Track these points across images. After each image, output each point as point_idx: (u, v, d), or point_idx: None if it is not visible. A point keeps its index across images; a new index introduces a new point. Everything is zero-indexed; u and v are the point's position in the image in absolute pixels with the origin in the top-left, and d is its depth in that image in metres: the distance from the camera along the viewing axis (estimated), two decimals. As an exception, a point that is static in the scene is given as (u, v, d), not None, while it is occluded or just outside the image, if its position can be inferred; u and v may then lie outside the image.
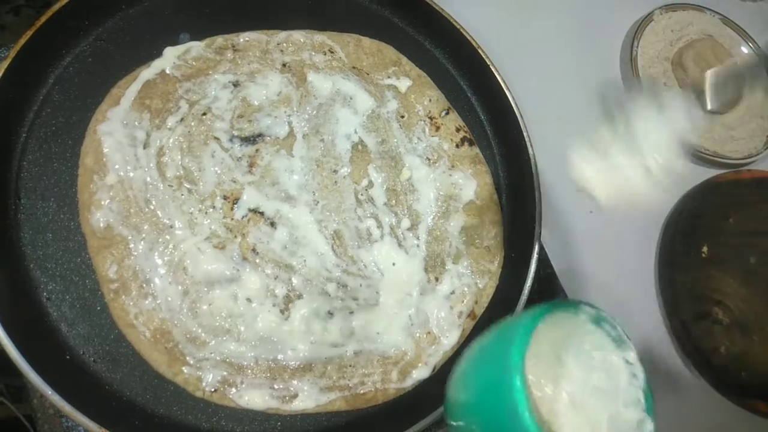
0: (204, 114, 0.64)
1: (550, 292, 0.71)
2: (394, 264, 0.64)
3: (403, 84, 0.73)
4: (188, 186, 0.61)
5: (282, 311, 0.59)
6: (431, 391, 0.60)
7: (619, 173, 0.93)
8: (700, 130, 0.74)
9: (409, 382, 0.60)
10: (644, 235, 0.91)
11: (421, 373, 0.61)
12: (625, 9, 1.00)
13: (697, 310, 0.86)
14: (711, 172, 0.94)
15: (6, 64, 0.57)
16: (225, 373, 0.56)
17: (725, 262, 0.88)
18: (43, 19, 0.61)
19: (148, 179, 0.60)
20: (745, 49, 1.00)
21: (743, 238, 0.89)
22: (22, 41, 0.59)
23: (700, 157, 0.92)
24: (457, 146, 0.72)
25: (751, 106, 0.96)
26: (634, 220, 0.90)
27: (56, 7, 0.62)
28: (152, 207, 0.59)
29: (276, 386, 0.57)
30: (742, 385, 0.85)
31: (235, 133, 0.64)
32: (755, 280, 0.87)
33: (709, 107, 0.75)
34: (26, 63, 0.60)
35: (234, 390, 0.56)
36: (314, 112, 0.68)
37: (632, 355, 0.46)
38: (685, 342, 0.86)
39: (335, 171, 0.66)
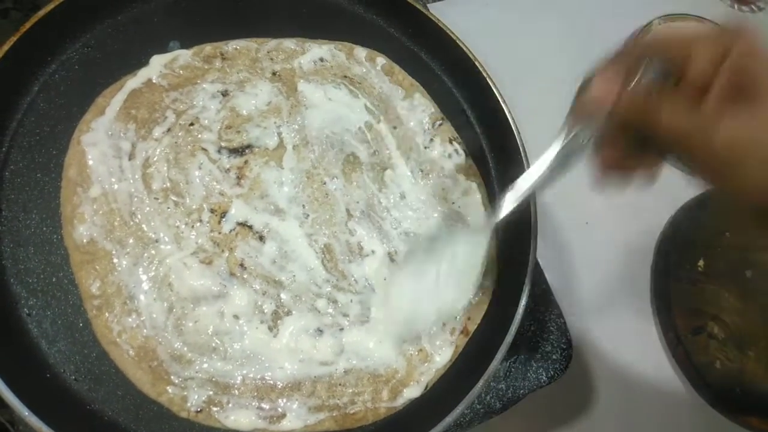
0: (191, 124, 0.62)
1: (544, 307, 0.70)
2: (385, 279, 0.63)
3: (396, 94, 0.72)
4: (175, 199, 0.59)
5: (270, 328, 0.57)
6: (423, 411, 0.59)
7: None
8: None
9: (400, 401, 0.59)
10: (640, 248, 0.90)
11: (412, 392, 0.59)
12: (624, 18, 1.00)
13: (692, 325, 0.85)
14: (708, 186, 0.93)
15: (-11, 69, 0.56)
16: (211, 393, 0.54)
17: (721, 276, 0.87)
18: (28, 24, 0.59)
19: (133, 191, 0.58)
20: (743, 61, 0.99)
21: (740, 252, 0.88)
22: (6, 47, 0.57)
23: (697, 169, 0.92)
24: (450, 157, 0.70)
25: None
26: (630, 233, 0.90)
27: (42, 12, 0.60)
28: (137, 220, 0.57)
29: (263, 406, 0.55)
30: (737, 400, 0.84)
31: (224, 144, 0.62)
32: (751, 295, 0.86)
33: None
34: (11, 69, 0.58)
35: (220, 410, 0.54)
36: (304, 123, 0.66)
37: None
38: (680, 357, 0.85)
39: (326, 183, 0.64)
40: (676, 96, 0.41)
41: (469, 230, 0.63)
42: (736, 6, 1.11)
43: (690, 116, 0.39)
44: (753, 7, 1.12)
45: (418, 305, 0.60)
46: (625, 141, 0.44)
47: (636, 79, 0.42)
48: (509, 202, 0.54)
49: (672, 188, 0.93)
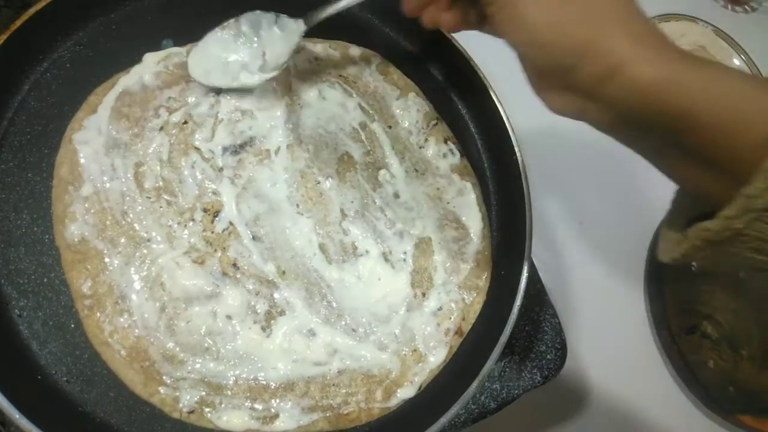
0: (185, 123, 0.62)
1: (538, 307, 0.70)
2: (379, 279, 0.62)
3: (391, 93, 0.71)
4: (167, 198, 0.59)
5: (263, 328, 0.57)
6: (416, 411, 0.59)
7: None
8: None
9: (394, 402, 0.59)
10: (634, 248, 0.90)
11: (406, 393, 0.59)
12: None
13: (685, 324, 0.86)
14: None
15: (-21, 68, 0.55)
16: (203, 393, 0.54)
17: (715, 275, 0.88)
18: (19, 22, 0.59)
19: (125, 190, 0.58)
20: (737, 61, 0.99)
21: (733, 252, 0.88)
22: (-4, 45, 0.57)
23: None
24: (444, 157, 0.70)
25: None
26: (624, 233, 0.90)
27: (33, 10, 0.59)
28: (129, 219, 0.57)
29: (256, 406, 0.55)
30: (730, 399, 0.84)
31: (217, 142, 0.62)
32: (745, 294, 0.87)
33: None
34: (1, 67, 0.58)
35: (212, 411, 0.54)
36: (298, 122, 0.66)
37: None
38: (674, 356, 0.85)
39: (320, 182, 0.64)
40: None
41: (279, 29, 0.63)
42: (729, 6, 1.12)
43: None
44: (746, 7, 1.12)
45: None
46: None
47: None
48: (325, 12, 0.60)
49: (667, 187, 0.94)
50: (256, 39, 0.63)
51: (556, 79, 0.39)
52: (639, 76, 0.34)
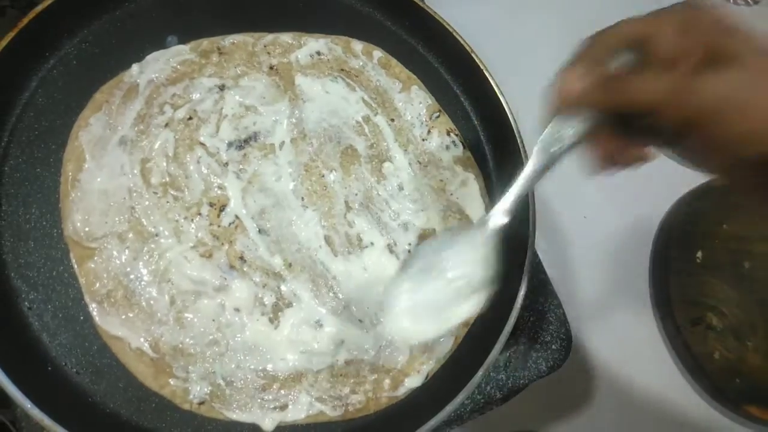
0: (189, 118, 0.62)
1: (543, 297, 0.70)
2: (385, 270, 0.63)
3: (393, 87, 0.72)
4: (174, 193, 0.59)
5: (271, 320, 0.58)
6: (424, 400, 0.59)
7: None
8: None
9: (402, 391, 0.59)
10: (638, 240, 0.90)
11: (413, 382, 0.60)
12: (621, 12, 1.00)
13: (691, 316, 0.86)
14: (705, 177, 0.94)
15: (-13, 66, 0.56)
16: (213, 385, 0.55)
17: (719, 267, 0.88)
18: (26, 20, 0.59)
19: (132, 186, 0.58)
20: (738, 52, 0.99)
21: (738, 243, 0.89)
22: (4, 43, 0.58)
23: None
24: (447, 149, 0.71)
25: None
26: (629, 225, 0.90)
27: (39, 8, 0.60)
28: (137, 215, 0.58)
29: (265, 397, 0.56)
30: (736, 390, 0.84)
31: (222, 138, 0.62)
32: (749, 286, 0.87)
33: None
34: (9, 66, 0.58)
35: (222, 401, 0.54)
36: (302, 116, 0.66)
37: None
38: (679, 348, 0.85)
39: (324, 176, 0.65)
40: (645, 69, 0.40)
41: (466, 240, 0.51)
42: (731, 0, 1.12)
43: (662, 81, 0.39)
44: (749, 0, 1.12)
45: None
46: (609, 130, 0.43)
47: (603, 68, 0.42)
48: (504, 206, 0.51)
49: (670, 180, 0.94)
50: (445, 265, 0.50)
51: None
52: None
